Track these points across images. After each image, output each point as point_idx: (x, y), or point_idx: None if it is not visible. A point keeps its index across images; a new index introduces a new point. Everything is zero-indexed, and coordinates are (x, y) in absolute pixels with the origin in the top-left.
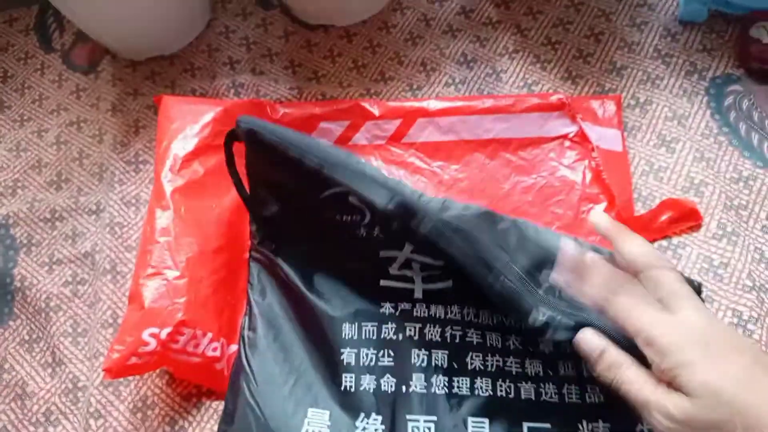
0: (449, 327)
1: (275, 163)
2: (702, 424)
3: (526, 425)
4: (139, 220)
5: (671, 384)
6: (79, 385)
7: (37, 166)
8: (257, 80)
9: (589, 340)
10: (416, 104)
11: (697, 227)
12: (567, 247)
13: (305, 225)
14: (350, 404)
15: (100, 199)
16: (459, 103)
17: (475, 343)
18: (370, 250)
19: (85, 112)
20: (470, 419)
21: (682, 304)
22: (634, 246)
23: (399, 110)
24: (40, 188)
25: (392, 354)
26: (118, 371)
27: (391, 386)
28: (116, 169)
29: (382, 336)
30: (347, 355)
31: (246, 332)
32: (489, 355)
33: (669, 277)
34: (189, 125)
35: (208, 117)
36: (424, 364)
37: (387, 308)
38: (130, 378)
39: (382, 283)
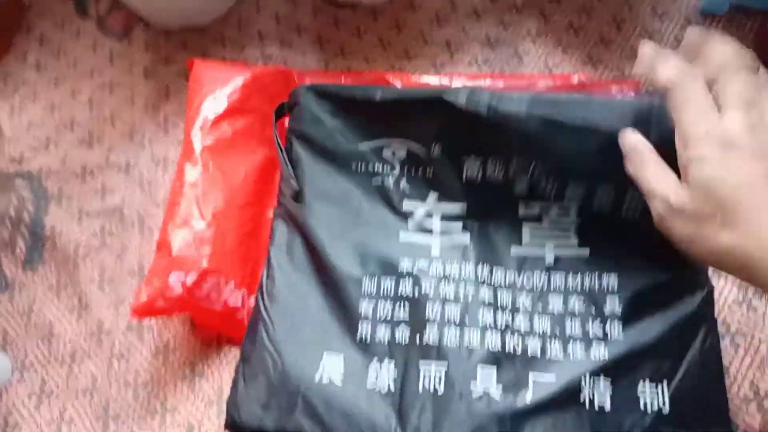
0: (463, 285)
1: (321, 122)
2: (689, 214)
3: (531, 375)
4: (167, 179)
5: (684, 176)
6: (104, 329)
7: (69, 125)
8: (285, 53)
9: (629, 134)
10: (440, 80)
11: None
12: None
13: (334, 177)
14: (364, 351)
15: (130, 158)
16: (482, 81)
17: (486, 301)
18: (395, 200)
19: (118, 76)
20: (479, 366)
21: (731, 106)
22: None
23: (423, 86)
24: (72, 145)
25: (407, 307)
26: (144, 312)
27: (405, 337)
28: (147, 130)
29: (399, 291)
30: (365, 308)
31: (265, 281)
32: (499, 312)
33: (736, 83)
34: (219, 88)
35: (238, 81)
36: (438, 317)
37: (405, 265)
38: (153, 324)
39: (402, 238)
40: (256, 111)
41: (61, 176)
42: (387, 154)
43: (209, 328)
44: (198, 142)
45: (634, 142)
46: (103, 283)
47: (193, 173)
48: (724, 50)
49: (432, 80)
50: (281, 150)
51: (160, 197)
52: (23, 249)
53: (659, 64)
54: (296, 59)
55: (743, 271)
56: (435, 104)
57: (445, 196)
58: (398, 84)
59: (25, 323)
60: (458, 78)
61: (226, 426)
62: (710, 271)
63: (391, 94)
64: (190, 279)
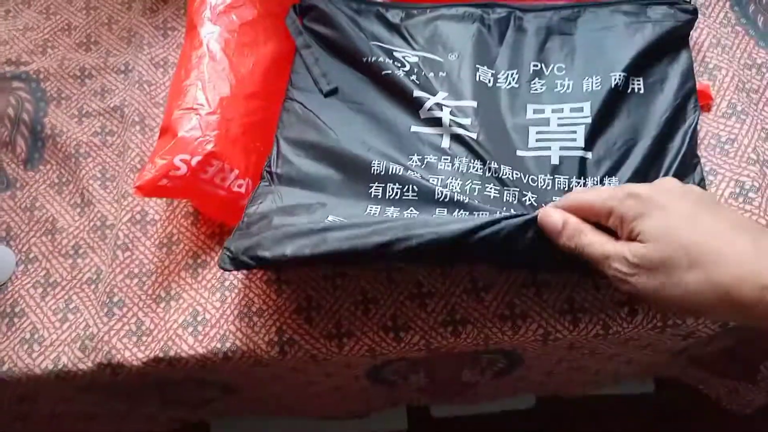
0: (470, 181)
1: (336, 20)
2: (655, 264)
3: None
4: (167, 80)
5: (629, 234)
6: (107, 223)
7: (66, 28)
8: None
9: (551, 213)
10: None
11: (706, 107)
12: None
13: (346, 67)
14: (372, 227)
15: (129, 60)
16: None
17: (492, 197)
18: (406, 90)
19: None
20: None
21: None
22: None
23: None
24: (70, 48)
25: (417, 190)
26: (149, 190)
27: (414, 217)
28: (145, 33)
29: (408, 175)
30: (374, 189)
31: (272, 168)
32: (504, 209)
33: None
34: None
35: None
36: (446, 199)
37: (415, 160)
38: (157, 218)
39: (413, 128)
40: (265, 3)
41: (60, 78)
42: (398, 55)
43: (212, 218)
44: (204, 31)
45: (558, 218)
46: (105, 180)
47: (199, 61)
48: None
49: None
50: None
51: (161, 98)
52: (24, 148)
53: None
54: None
55: (719, 306)
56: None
57: (455, 94)
58: None
59: (28, 218)
60: None
61: (222, 264)
62: None
63: (413, 16)
64: (195, 160)
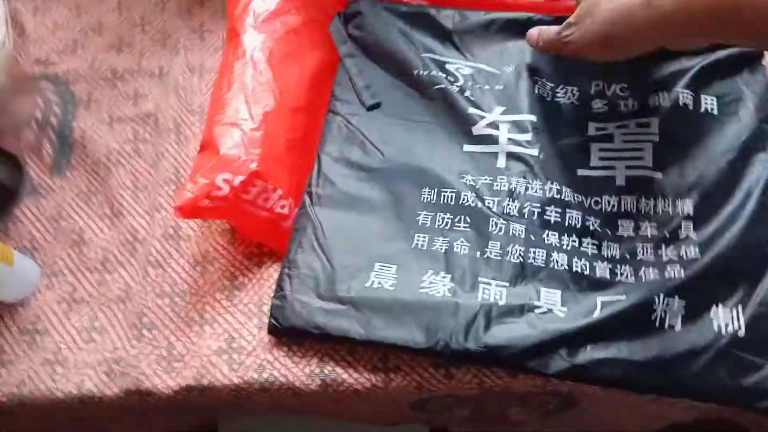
0: (528, 203)
1: (383, 31)
2: (582, 13)
3: (599, 298)
4: (204, 87)
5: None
6: (138, 237)
7: (98, 28)
8: None
9: (529, 32)
10: None
11: None
12: None
13: (395, 81)
14: (419, 261)
15: (164, 64)
16: None
17: (552, 221)
18: (459, 106)
19: None
20: (543, 289)
21: None
22: None
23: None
24: (101, 49)
25: (469, 220)
26: (189, 211)
27: (465, 249)
28: (181, 35)
29: (460, 202)
30: (423, 217)
31: (314, 188)
32: (566, 235)
33: None
34: None
35: None
36: (501, 233)
37: (468, 180)
38: (191, 234)
39: (466, 148)
40: (309, 10)
41: (90, 80)
42: (450, 68)
43: (250, 239)
44: (248, 39)
45: (534, 31)
46: (137, 191)
47: (242, 72)
48: None
49: None
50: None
51: (196, 104)
52: (51, 153)
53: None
54: None
55: (645, 21)
56: (518, 29)
57: (512, 109)
58: None
59: (54, 229)
60: None
61: (270, 330)
62: None
63: (467, 17)
64: (238, 180)
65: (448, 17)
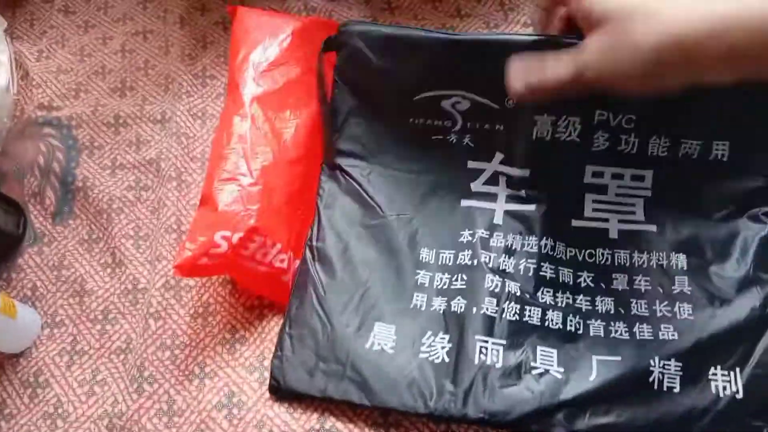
0: (524, 260)
1: (372, 66)
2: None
3: (595, 358)
4: (205, 133)
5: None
6: (139, 287)
7: (101, 72)
8: (330, 5)
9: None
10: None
11: None
12: None
13: (389, 130)
14: (418, 322)
15: (166, 109)
16: None
17: (548, 277)
18: (458, 159)
19: (151, 23)
20: (539, 348)
21: None
22: None
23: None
24: (104, 94)
25: (465, 278)
26: (188, 270)
27: (461, 307)
28: (183, 81)
29: (458, 262)
30: (422, 277)
31: (314, 243)
32: (560, 292)
33: None
34: (268, 36)
35: (288, 30)
36: (497, 289)
37: (465, 236)
38: (192, 284)
39: (464, 203)
40: (306, 62)
41: (93, 125)
42: (446, 105)
43: (251, 291)
44: (247, 92)
45: (520, 87)
46: (139, 240)
47: (241, 125)
48: None
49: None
50: (324, 101)
51: (198, 151)
52: (53, 200)
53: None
54: (342, 13)
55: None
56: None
57: (511, 157)
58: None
59: (56, 278)
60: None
61: (271, 390)
62: None
63: (461, 37)
64: (236, 237)
65: (440, 41)
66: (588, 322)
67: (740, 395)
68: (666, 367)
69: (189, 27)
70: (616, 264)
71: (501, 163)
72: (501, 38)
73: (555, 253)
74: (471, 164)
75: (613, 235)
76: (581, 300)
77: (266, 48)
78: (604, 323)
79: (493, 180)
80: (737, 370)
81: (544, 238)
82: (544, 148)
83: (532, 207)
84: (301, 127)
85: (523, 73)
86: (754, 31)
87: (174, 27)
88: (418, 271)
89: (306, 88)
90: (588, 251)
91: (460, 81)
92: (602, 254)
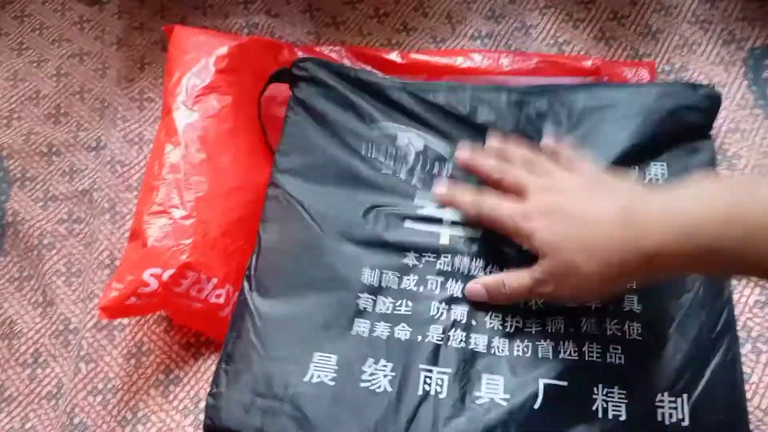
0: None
1: (330, 94)
2: (554, 273)
3: (542, 382)
4: (142, 160)
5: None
6: (71, 327)
7: (35, 97)
8: (273, 22)
9: (472, 287)
10: (444, 60)
11: None
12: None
13: (340, 155)
14: (359, 350)
15: (101, 136)
16: (487, 63)
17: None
18: (405, 192)
19: (88, 44)
20: (485, 376)
21: (528, 189)
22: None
23: (425, 65)
24: (38, 120)
25: (410, 304)
26: (114, 311)
27: (406, 335)
28: (119, 105)
29: (402, 286)
30: (363, 301)
31: (252, 272)
32: (509, 316)
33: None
34: (204, 57)
35: (224, 50)
36: (443, 317)
37: (411, 258)
38: (125, 322)
39: (407, 224)
40: (244, 85)
41: (25, 155)
42: (403, 141)
43: (188, 328)
44: (181, 118)
45: (480, 287)
46: (71, 276)
47: (173, 154)
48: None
49: (436, 59)
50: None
51: (134, 180)
52: None
53: (458, 197)
54: (284, 30)
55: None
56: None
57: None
58: (398, 60)
59: None
60: (461, 56)
61: (206, 430)
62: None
63: (416, 89)
64: (167, 274)
65: (397, 89)
66: (537, 343)
67: (686, 423)
68: (609, 395)
69: (126, 47)
70: None
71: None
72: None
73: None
74: (417, 200)
75: None
76: (531, 323)
77: (201, 70)
78: (553, 344)
79: (436, 214)
80: (684, 397)
81: (492, 264)
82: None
83: (478, 233)
84: (240, 153)
85: (482, 294)
86: (682, 259)
87: (111, 48)
88: (360, 294)
89: (244, 113)
90: None
91: (416, 122)
92: None
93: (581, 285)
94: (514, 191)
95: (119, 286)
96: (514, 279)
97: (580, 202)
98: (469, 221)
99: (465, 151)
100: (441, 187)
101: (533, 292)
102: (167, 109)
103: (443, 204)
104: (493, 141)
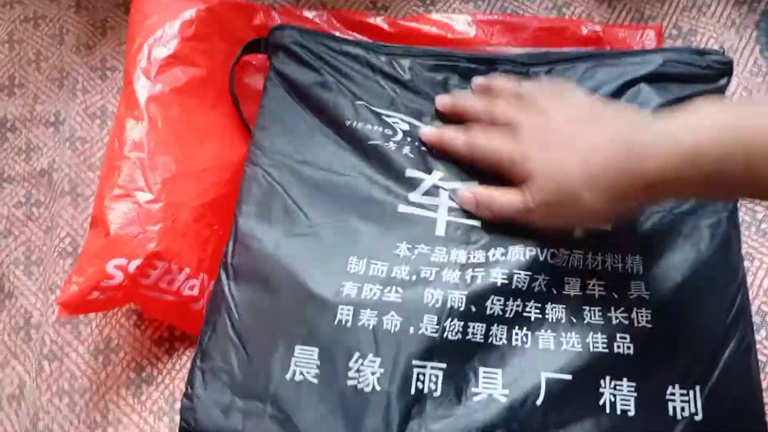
0: (470, 270)
1: (312, 69)
2: (549, 201)
3: (544, 375)
4: (105, 136)
5: (526, 176)
6: (32, 321)
7: None
8: None
9: (463, 193)
10: (435, 30)
11: None
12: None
13: (324, 130)
14: (344, 342)
15: (60, 109)
16: (481, 33)
17: (499, 284)
18: (396, 165)
19: (43, 7)
20: (481, 369)
21: (517, 120)
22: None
23: (415, 33)
24: None
25: (400, 290)
26: (75, 307)
27: (396, 325)
28: (79, 75)
29: (392, 275)
30: (348, 288)
31: (229, 260)
32: (511, 299)
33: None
34: (168, 22)
35: (191, 14)
36: (438, 305)
37: (403, 250)
38: (92, 315)
39: (401, 209)
40: (215, 53)
41: None
42: (388, 120)
43: (160, 320)
44: (143, 90)
45: (470, 195)
46: (30, 265)
47: (136, 131)
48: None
49: (428, 28)
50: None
51: (97, 159)
52: None
53: (447, 136)
54: None
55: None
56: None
57: (452, 175)
58: (385, 27)
59: None
60: (454, 19)
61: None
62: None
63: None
64: (134, 265)
65: (384, 61)
66: (537, 333)
67: (699, 417)
68: (617, 387)
69: (86, 11)
70: (570, 266)
71: (441, 180)
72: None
73: (508, 257)
74: (410, 173)
75: (578, 234)
76: (531, 307)
77: (166, 36)
78: (554, 334)
79: (433, 192)
80: (697, 388)
81: (493, 248)
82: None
83: (477, 222)
84: (212, 129)
85: (471, 203)
86: (683, 186)
87: (69, 11)
88: (344, 282)
89: (215, 84)
90: (551, 251)
91: (401, 101)
92: (565, 254)
93: (580, 213)
94: (507, 127)
95: (80, 279)
96: (505, 199)
97: (577, 132)
98: (462, 160)
99: (446, 97)
100: (428, 129)
101: (520, 217)
102: (128, 79)
103: (432, 146)
104: (478, 79)
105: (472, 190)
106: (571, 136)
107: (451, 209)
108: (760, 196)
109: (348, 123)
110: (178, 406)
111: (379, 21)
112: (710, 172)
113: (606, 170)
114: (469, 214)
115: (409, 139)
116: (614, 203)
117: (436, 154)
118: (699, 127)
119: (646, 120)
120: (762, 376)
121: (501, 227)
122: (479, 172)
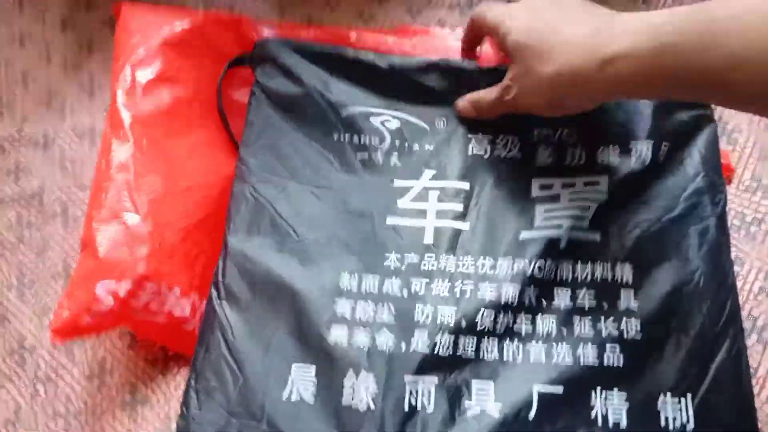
0: (460, 281)
1: (297, 79)
2: (515, 78)
3: (536, 388)
4: (95, 155)
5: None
6: (26, 344)
7: None
8: None
9: (459, 103)
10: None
11: (727, 180)
12: None
13: (311, 146)
14: (338, 360)
15: (48, 129)
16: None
17: (487, 299)
18: (384, 177)
19: (29, 25)
20: (474, 382)
21: None
22: None
23: (394, 47)
24: None
25: (393, 309)
26: (67, 332)
27: (389, 343)
28: (67, 94)
29: (383, 290)
30: (341, 306)
31: (220, 279)
32: (501, 313)
33: None
34: (152, 40)
35: (175, 31)
36: (429, 320)
37: (392, 261)
38: (86, 338)
39: (389, 221)
40: (201, 69)
41: None
42: (376, 122)
43: (153, 341)
44: (126, 111)
45: (466, 104)
46: (23, 288)
47: (122, 151)
48: None
49: (407, 44)
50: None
51: (87, 179)
52: None
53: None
54: (244, 4)
55: (568, 85)
56: (448, 73)
57: (444, 173)
58: (368, 39)
59: None
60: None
61: None
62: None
63: (393, 61)
64: (124, 288)
65: (370, 60)
66: (528, 346)
67: (691, 426)
68: (608, 399)
69: (72, 29)
70: (559, 278)
71: (432, 179)
72: (433, 62)
73: (496, 271)
74: (398, 183)
75: (563, 244)
76: (521, 320)
77: (149, 55)
78: (545, 346)
79: (422, 196)
80: (688, 396)
81: (482, 257)
82: (482, 163)
83: (466, 225)
84: (198, 147)
85: (470, 110)
86: (639, 64)
87: (55, 30)
88: (338, 299)
89: (200, 102)
90: (537, 264)
91: (390, 100)
92: (549, 267)
93: (535, 88)
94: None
95: (70, 304)
96: (489, 90)
97: (558, 18)
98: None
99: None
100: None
101: (503, 100)
102: (113, 100)
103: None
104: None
105: (465, 98)
106: (553, 21)
107: (439, 212)
108: (716, 82)
109: (335, 136)
110: (173, 426)
111: (355, 37)
112: (666, 45)
113: (567, 48)
114: (456, 216)
115: (397, 142)
116: (565, 83)
117: (427, 156)
118: (665, 14)
119: (621, 14)
120: (753, 381)
121: (492, 234)
122: (474, 172)
